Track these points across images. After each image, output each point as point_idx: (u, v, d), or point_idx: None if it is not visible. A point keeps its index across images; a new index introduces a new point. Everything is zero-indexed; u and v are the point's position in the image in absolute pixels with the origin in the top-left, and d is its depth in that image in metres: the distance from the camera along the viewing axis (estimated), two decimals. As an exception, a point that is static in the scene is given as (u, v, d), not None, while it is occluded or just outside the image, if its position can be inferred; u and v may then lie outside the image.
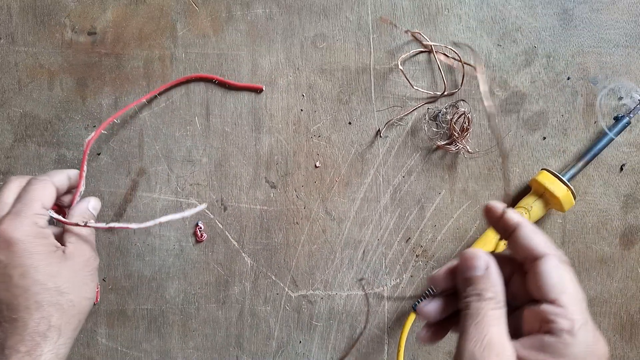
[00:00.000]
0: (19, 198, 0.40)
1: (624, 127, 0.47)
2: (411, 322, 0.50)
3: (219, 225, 0.50)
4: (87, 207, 0.43)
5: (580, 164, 0.47)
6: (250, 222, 0.50)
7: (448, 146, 0.49)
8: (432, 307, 0.32)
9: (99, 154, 0.50)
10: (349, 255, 0.50)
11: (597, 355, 0.27)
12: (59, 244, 0.40)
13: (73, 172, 0.44)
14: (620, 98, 0.49)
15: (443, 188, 0.50)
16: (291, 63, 0.50)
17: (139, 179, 0.50)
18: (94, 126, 0.50)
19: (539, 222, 0.50)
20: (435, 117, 0.49)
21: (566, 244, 0.50)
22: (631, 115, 0.47)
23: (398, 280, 0.51)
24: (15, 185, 0.41)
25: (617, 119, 0.48)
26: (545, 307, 0.27)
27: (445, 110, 0.49)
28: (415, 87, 0.49)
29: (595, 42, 0.50)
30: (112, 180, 0.50)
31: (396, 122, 0.50)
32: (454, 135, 0.48)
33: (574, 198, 0.46)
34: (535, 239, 0.29)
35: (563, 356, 0.26)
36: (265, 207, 0.50)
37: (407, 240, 0.50)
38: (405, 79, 0.49)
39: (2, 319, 0.38)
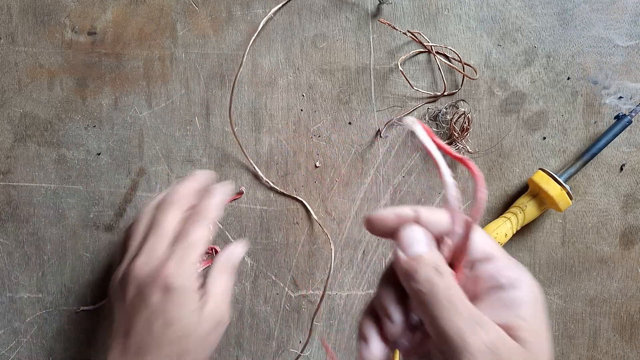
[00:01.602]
0: (180, 239, 0.38)
1: (625, 127, 0.47)
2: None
3: (219, 225, 0.50)
4: (235, 254, 0.41)
5: (578, 163, 0.47)
6: (250, 222, 0.50)
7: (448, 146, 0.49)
8: (377, 349, 0.27)
9: (99, 154, 0.50)
10: (349, 255, 0.50)
11: (539, 299, 0.26)
12: (200, 296, 0.38)
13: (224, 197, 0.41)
14: (621, 97, 0.49)
15: (443, 188, 0.50)
16: (291, 63, 0.50)
17: (139, 179, 0.50)
18: (94, 126, 0.50)
19: (537, 222, 0.50)
20: (435, 117, 0.50)
21: (566, 244, 0.50)
22: (632, 114, 0.47)
23: (398, 280, 0.51)
24: (176, 214, 0.39)
25: (618, 118, 0.48)
26: (485, 266, 0.27)
27: (445, 110, 0.49)
28: (415, 88, 0.49)
29: (595, 42, 0.50)
30: (112, 180, 0.50)
31: (396, 122, 0.50)
32: (454, 135, 0.48)
33: (571, 198, 0.46)
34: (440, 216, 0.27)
35: (518, 306, 0.25)
36: (265, 207, 0.50)
37: (407, 240, 0.50)
38: (405, 79, 0.49)
39: (134, 357, 0.36)
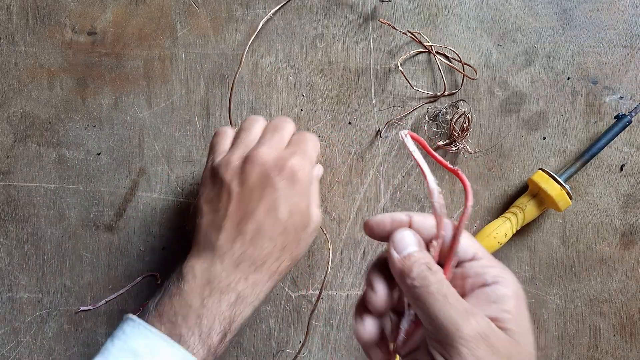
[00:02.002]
0: (297, 145, 0.41)
1: (625, 126, 0.47)
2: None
3: (219, 225, 0.50)
4: (319, 171, 0.46)
5: (578, 163, 0.47)
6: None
7: (448, 146, 0.49)
8: (369, 326, 0.30)
9: (99, 154, 0.50)
10: (349, 255, 0.50)
11: (520, 293, 0.29)
12: None
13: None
14: (621, 97, 0.49)
15: (443, 188, 0.50)
16: (291, 63, 0.50)
17: (139, 179, 0.50)
18: (94, 126, 0.50)
19: (537, 222, 0.50)
20: (435, 117, 0.49)
21: (566, 244, 0.50)
22: (632, 114, 0.47)
23: (398, 280, 0.51)
24: (292, 128, 0.43)
25: (618, 118, 0.48)
26: (471, 264, 0.29)
27: (445, 110, 0.49)
28: (415, 88, 0.49)
29: (595, 42, 0.50)
30: (112, 180, 0.50)
31: (396, 122, 0.50)
32: (454, 135, 0.48)
33: (570, 198, 0.46)
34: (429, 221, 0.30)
35: (503, 300, 0.27)
36: (265, 207, 0.50)
37: (407, 240, 0.50)
38: (405, 79, 0.49)
39: (249, 241, 0.38)
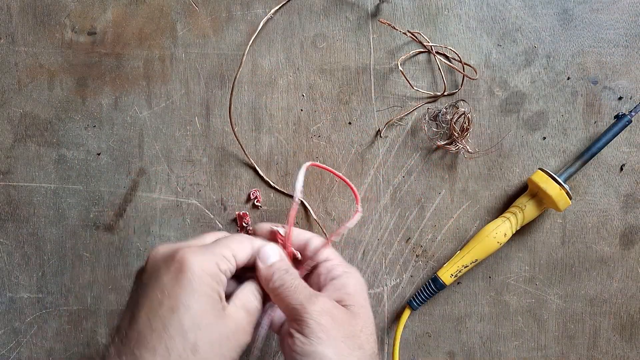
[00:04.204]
0: (215, 241, 0.37)
1: (625, 126, 0.47)
2: (406, 318, 0.50)
3: (219, 225, 0.50)
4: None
5: (578, 163, 0.47)
6: (250, 222, 0.50)
7: (448, 146, 0.49)
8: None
9: (99, 154, 0.50)
10: (349, 255, 0.50)
11: (360, 281, 0.39)
12: (224, 299, 0.34)
13: (257, 243, 0.39)
14: (621, 98, 0.49)
15: (443, 188, 0.50)
16: (291, 63, 0.50)
17: (139, 179, 0.50)
18: (94, 126, 0.50)
19: (537, 222, 0.50)
20: (435, 117, 0.50)
21: (566, 244, 0.50)
22: (632, 113, 0.47)
23: (398, 280, 0.51)
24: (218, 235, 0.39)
25: (617, 118, 0.48)
26: (325, 264, 0.39)
27: (445, 110, 0.49)
28: (415, 88, 0.49)
29: (595, 42, 0.50)
30: (112, 180, 0.50)
31: (396, 122, 0.50)
32: (454, 135, 0.48)
33: (570, 197, 0.46)
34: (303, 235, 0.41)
35: (345, 287, 0.37)
36: (266, 207, 0.50)
37: (407, 240, 0.50)
38: (405, 79, 0.49)
39: (123, 342, 0.32)
